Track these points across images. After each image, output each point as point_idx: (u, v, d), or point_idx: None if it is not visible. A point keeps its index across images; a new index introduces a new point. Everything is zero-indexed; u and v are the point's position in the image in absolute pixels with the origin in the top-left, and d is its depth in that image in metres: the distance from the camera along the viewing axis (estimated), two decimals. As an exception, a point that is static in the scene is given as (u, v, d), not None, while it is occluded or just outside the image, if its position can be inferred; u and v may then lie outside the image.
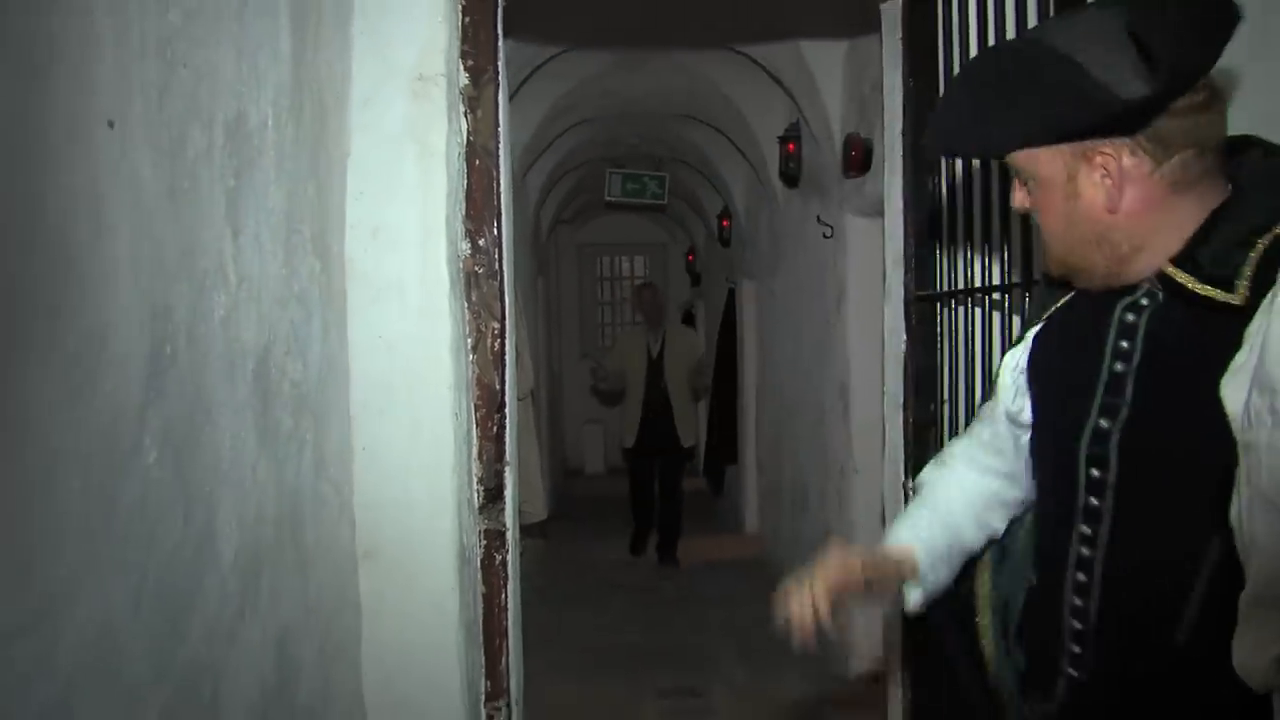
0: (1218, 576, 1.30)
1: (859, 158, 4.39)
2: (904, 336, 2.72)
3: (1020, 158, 1.44)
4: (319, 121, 2.15)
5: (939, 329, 2.64)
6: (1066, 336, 1.51)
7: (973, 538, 1.71)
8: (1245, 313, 1.20)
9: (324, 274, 2.19)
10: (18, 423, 1.08)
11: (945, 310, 2.63)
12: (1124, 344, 1.42)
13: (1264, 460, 1.02)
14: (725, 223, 8.41)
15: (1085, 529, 1.47)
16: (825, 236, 5.22)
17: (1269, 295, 1.11)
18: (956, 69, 2.42)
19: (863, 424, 4.70)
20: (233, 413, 1.67)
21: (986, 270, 2.46)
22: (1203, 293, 1.33)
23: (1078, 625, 1.49)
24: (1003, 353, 1.83)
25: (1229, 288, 1.30)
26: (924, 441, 2.65)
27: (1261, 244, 1.29)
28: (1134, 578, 1.43)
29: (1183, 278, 1.35)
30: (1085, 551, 1.48)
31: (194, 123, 1.52)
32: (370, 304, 2.40)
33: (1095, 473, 1.46)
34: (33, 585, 1.09)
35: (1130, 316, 1.42)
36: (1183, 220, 1.35)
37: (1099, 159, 1.35)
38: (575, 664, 4.87)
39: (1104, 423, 1.44)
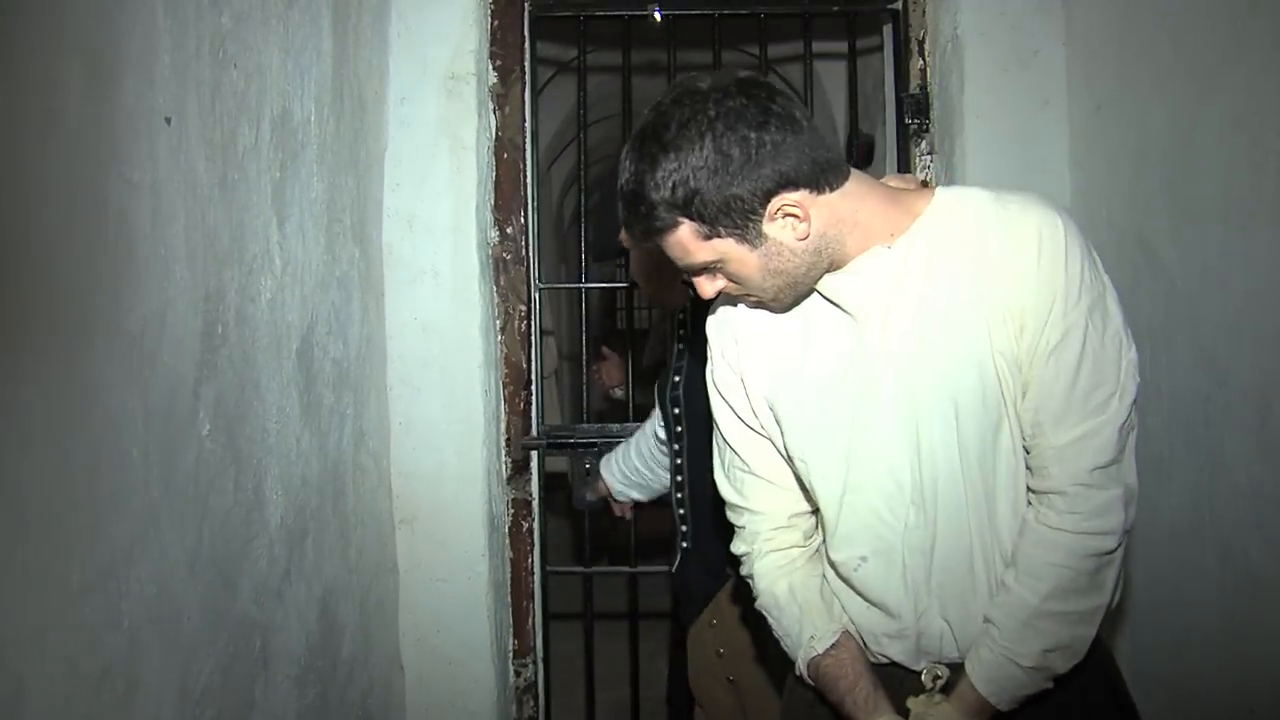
0: None
1: (862, 151, 4.36)
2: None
3: None
4: (358, 117, 2.16)
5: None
6: None
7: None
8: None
9: (363, 259, 2.20)
10: (86, 395, 1.10)
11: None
12: (681, 331, 2.11)
13: None
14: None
15: (676, 446, 2.12)
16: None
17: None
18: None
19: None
20: (279, 388, 1.68)
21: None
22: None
23: (682, 511, 2.13)
24: None
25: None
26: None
27: None
28: (698, 473, 1.96)
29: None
30: (679, 461, 2.12)
31: (243, 119, 1.53)
32: (406, 288, 2.42)
33: (675, 410, 2.09)
34: (100, 545, 1.11)
35: (681, 315, 2.12)
36: None
37: None
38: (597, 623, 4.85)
39: (676, 378, 2.09)
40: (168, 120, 1.27)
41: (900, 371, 1.30)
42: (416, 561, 2.44)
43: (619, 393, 3.69)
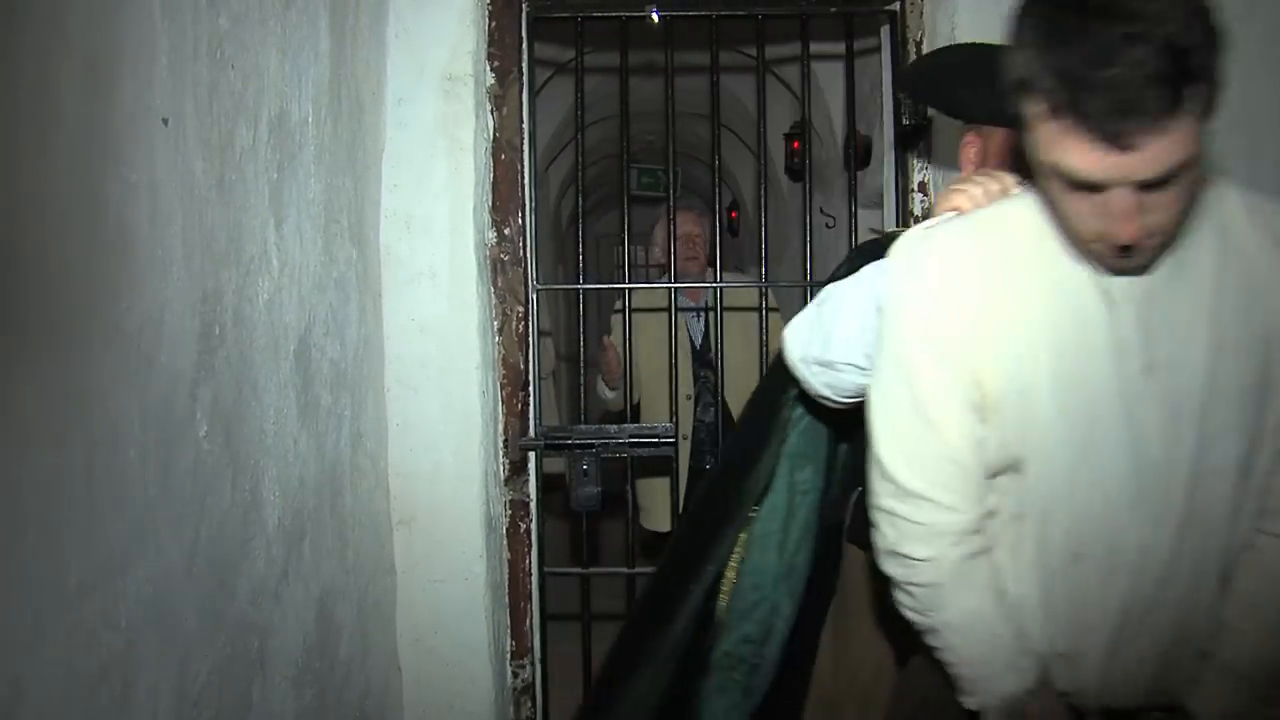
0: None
1: (860, 152, 4.36)
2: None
3: None
4: (356, 118, 2.16)
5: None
6: None
7: None
8: None
9: (360, 260, 2.20)
10: (84, 396, 1.10)
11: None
12: None
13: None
14: (734, 214, 8.38)
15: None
16: (828, 226, 5.21)
17: None
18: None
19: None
20: (276, 389, 1.69)
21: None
22: None
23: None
24: None
25: None
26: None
27: None
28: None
29: None
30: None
31: (241, 120, 1.53)
32: (404, 289, 2.42)
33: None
34: (98, 546, 1.11)
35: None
36: None
37: None
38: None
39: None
40: (165, 121, 1.28)
41: (1168, 380, 1.16)
42: (414, 562, 2.44)
43: (610, 394, 3.65)
